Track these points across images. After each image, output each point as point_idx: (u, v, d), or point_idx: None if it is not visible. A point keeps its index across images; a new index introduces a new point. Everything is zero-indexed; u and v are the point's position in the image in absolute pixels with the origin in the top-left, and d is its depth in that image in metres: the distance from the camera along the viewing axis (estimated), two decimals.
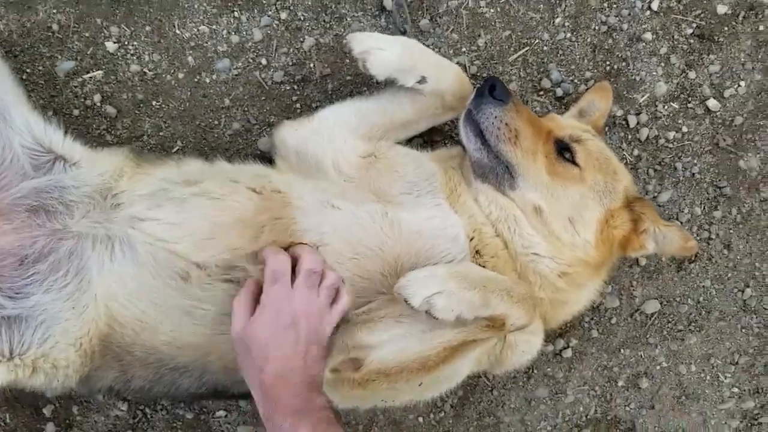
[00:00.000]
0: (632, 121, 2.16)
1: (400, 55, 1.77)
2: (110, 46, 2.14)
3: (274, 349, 1.42)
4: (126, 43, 2.15)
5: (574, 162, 1.76)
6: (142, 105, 2.17)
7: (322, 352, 1.49)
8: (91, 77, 2.14)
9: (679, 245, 1.80)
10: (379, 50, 1.77)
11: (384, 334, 1.55)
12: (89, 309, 1.60)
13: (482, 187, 1.78)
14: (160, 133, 2.16)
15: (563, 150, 1.77)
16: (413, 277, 1.48)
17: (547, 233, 1.73)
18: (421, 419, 2.24)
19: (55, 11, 2.13)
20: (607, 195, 1.78)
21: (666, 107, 2.17)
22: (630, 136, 2.17)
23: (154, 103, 2.17)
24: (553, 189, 1.73)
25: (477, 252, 1.71)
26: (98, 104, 2.15)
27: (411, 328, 1.54)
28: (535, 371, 2.22)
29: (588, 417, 2.23)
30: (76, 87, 2.14)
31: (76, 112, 2.14)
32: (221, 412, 2.26)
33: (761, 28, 2.13)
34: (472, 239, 1.72)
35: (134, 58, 2.15)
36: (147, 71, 2.15)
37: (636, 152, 2.15)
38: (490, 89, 1.74)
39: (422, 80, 1.79)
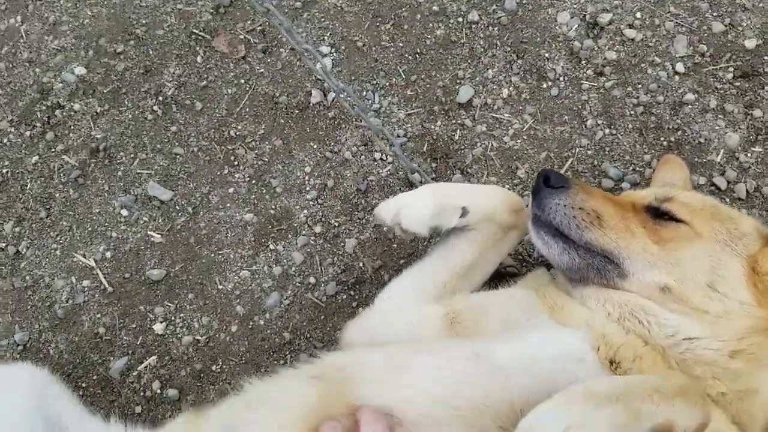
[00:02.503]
0: (721, 183, 1.88)
1: (431, 201, 1.59)
2: (158, 327, 2.03)
3: None
4: (173, 318, 2.05)
5: (677, 219, 1.46)
6: (202, 375, 1.98)
7: None
8: (146, 366, 2.00)
9: None
10: (407, 207, 1.59)
11: None
12: None
13: (587, 291, 1.45)
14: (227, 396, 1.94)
15: (658, 215, 1.48)
16: (531, 422, 1.10)
17: (690, 311, 1.35)
18: None
19: (99, 316, 2.08)
20: (737, 241, 1.42)
21: (749, 155, 1.91)
22: (729, 199, 1.87)
23: (213, 367, 1.98)
24: (670, 257, 1.39)
25: (611, 362, 1.31)
26: (158, 391, 1.97)
27: None
28: None
29: None
30: (132, 382, 1.99)
31: (138, 408, 1.95)
32: None
33: None
34: (598, 350, 1.34)
35: (184, 329, 2.03)
36: (199, 338, 2.01)
37: (744, 212, 1.83)
38: (545, 181, 1.52)
39: (464, 213, 1.59)
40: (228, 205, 2.13)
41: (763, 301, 1.36)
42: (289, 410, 1.34)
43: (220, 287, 2.06)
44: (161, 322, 2.04)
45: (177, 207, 2.15)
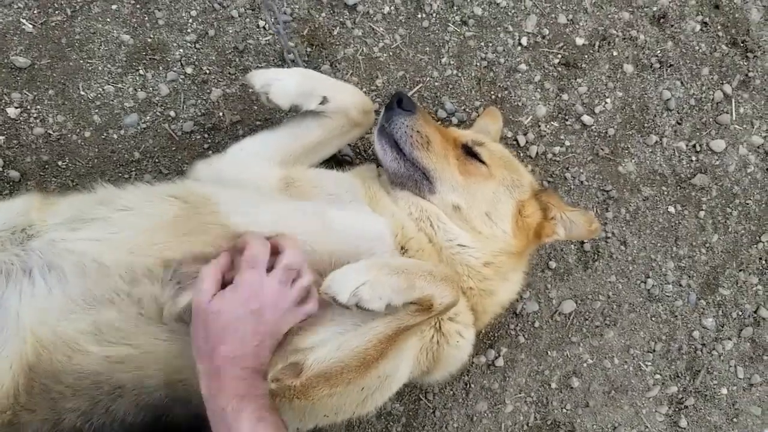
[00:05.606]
0: (521, 140, 2.38)
1: (299, 82, 1.84)
2: (12, 111, 2.12)
3: (233, 332, 1.39)
4: (28, 108, 2.14)
5: (481, 161, 1.90)
6: (47, 166, 2.13)
7: (274, 344, 1.47)
8: None
9: (584, 228, 1.94)
10: (278, 81, 1.83)
11: (320, 335, 1.54)
12: (10, 344, 1.48)
13: (402, 194, 1.86)
14: (68, 192, 2.11)
15: (469, 153, 1.91)
16: (336, 275, 1.49)
17: (468, 228, 1.82)
18: None
19: None
20: (516, 188, 1.91)
21: (548, 126, 2.42)
22: (522, 154, 2.38)
23: (59, 163, 2.14)
24: (468, 187, 1.84)
25: (402, 248, 1.76)
26: (0, 169, 2.09)
27: (345, 324, 1.55)
28: (473, 385, 2.24)
29: (529, 425, 2.25)
30: None
31: None
32: None
33: (615, 53, 2.47)
34: (396, 236, 1.76)
35: (37, 121, 2.14)
36: (51, 132, 2.14)
37: (529, 167, 2.35)
38: (398, 102, 1.87)
39: (324, 101, 1.86)
40: (108, 20, 2.22)
41: (518, 234, 1.89)
42: (149, 218, 1.59)
43: (82, 93, 2.17)
44: (16, 108, 2.13)
45: (56, 4, 2.19)
